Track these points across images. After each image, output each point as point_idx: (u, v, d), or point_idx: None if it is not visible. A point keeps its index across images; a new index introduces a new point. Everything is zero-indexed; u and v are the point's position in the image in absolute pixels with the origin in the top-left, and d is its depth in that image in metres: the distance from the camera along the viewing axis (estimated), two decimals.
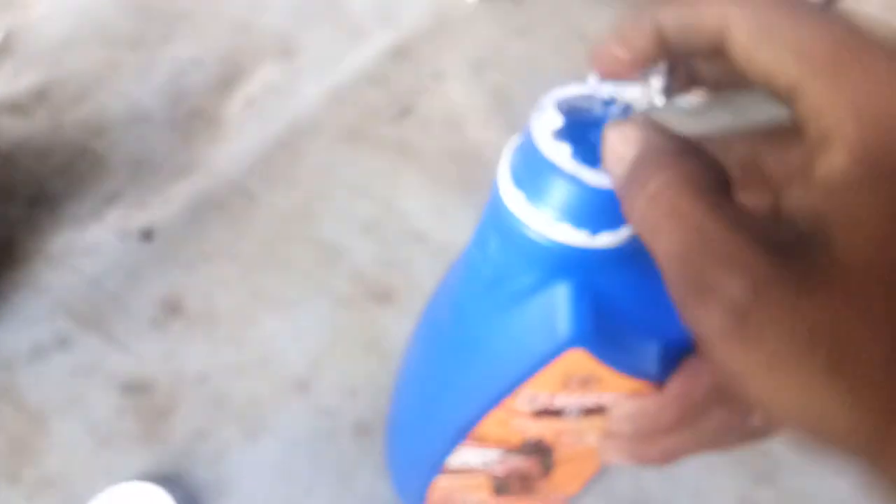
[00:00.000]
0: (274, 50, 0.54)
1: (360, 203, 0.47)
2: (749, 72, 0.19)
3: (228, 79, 0.52)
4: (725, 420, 0.26)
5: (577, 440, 0.29)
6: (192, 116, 0.50)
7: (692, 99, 0.52)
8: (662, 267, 0.17)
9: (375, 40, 0.55)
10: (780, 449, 0.40)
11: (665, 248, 0.17)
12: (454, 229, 0.47)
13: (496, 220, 0.23)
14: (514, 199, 0.22)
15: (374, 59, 0.54)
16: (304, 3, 0.56)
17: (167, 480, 0.36)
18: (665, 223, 0.17)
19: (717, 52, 0.19)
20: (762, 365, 0.16)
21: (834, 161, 0.16)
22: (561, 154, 0.21)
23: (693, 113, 0.53)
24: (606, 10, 0.58)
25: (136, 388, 0.40)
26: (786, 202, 0.18)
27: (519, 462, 0.30)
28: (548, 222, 0.22)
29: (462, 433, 0.28)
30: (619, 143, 0.20)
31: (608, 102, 0.22)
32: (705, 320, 0.16)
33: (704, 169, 0.18)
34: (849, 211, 0.16)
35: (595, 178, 0.20)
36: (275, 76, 0.52)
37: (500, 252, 0.24)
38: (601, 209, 0.21)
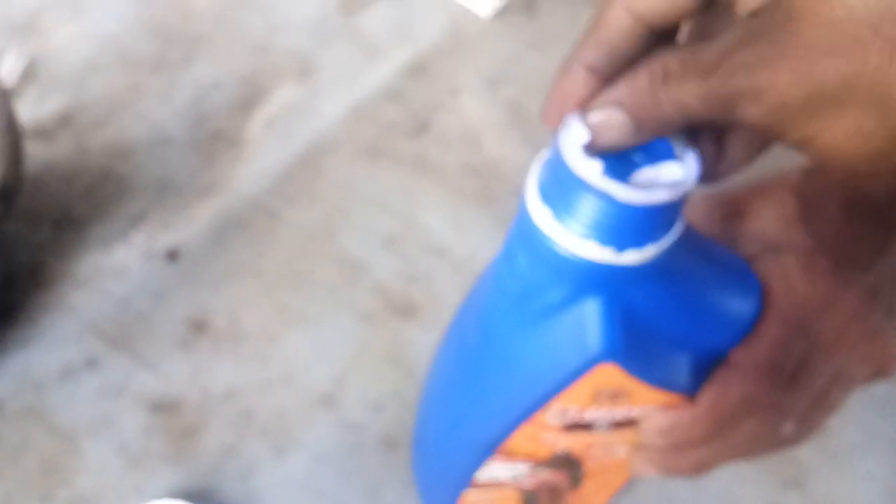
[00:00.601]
0: (292, 70, 0.54)
1: (381, 218, 0.48)
2: None
3: (249, 100, 0.53)
4: (757, 430, 0.27)
5: (606, 453, 0.29)
6: (213, 137, 0.51)
7: None
8: None
9: (392, 58, 0.56)
10: (808, 455, 0.40)
11: None
12: (474, 243, 0.47)
13: (524, 236, 0.24)
14: (541, 215, 0.22)
15: (391, 77, 0.55)
16: (321, 23, 0.57)
17: (197, 497, 0.37)
18: None
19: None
20: None
21: None
22: (591, 170, 0.21)
23: None
24: None
25: (164, 407, 0.40)
26: None
27: (548, 475, 0.31)
28: (575, 239, 0.22)
29: (491, 448, 0.28)
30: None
31: None
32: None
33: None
34: None
35: (624, 194, 0.21)
36: (294, 96, 0.53)
37: (528, 267, 0.24)
38: (628, 226, 0.21)
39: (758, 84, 0.20)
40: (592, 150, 0.22)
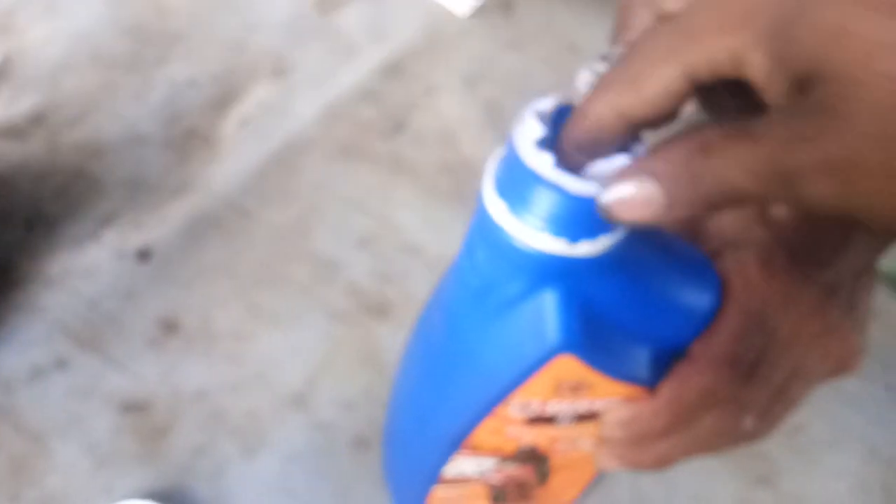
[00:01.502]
0: (267, 69, 0.54)
1: (356, 218, 0.48)
2: None
3: (223, 99, 0.53)
4: (718, 423, 0.27)
5: (571, 447, 0.29)
6: (187, 136, 0.51)
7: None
8: None
9: (367, 57, 0.56)
10: (779, 452, 0.40)
11: None
12: (448, 242, 0.47)
13: (482, 230, 0.24)
14: (497, 209, 0.23)
15: (367, 76, 0.55)
16: (296, 21, 0.57)
17: (167, 498, 0.37)
18: None
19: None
20: None
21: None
22: (542, 163, 0.21)
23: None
24: (597, 23, 0.59)
25: (134, 408, 0.40)
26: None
27: (515, 470, 0.31)
28: (529, 231, 0.22)
29: (457, 442, 0.29)
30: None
31: None
32: None
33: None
34: None
35: (576, 186, 0.21)
36: (269, 95, 0.53)
37: (486, 261, 0.24)
38: (580, 218, 0.22)
39: (828, 150, 0.18)
40: (613, 220, 0.20)
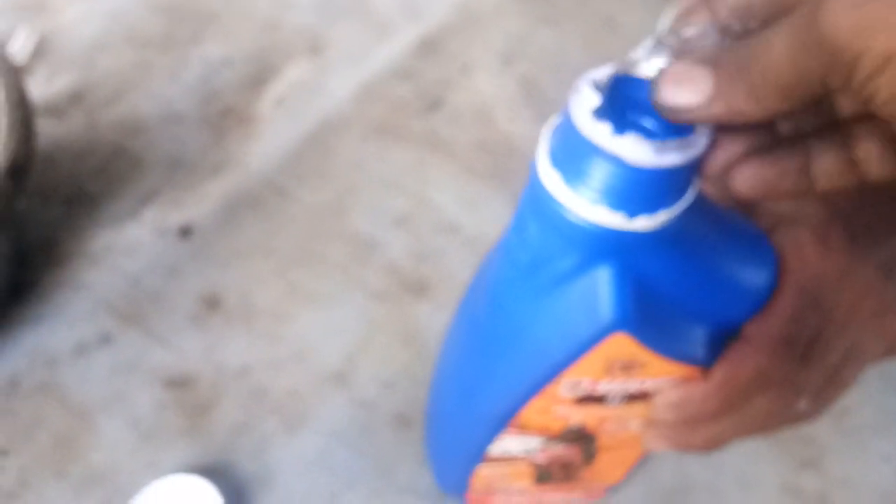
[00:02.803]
0: (302, 47, 0.54)
1: (392, 196, 0.48)
2: None
3: (259, 77, 0.52)
4: (771, 405, 0.26)
5: (619, 427, 0.29)
6: (224, 115, 0.51)
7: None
8: None
9: (402, 35, 0.55)
10: (824, 435, 0.40)
11: None
12: (486, 220, 0.47)
13: (534, 204, 0.23)
14: (552, 181, 0.22)
15: (402, 54, 0.54)
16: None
17: (211, 473, 0.37)
18: None
19: None
20: None
21: None
22: (600, 132, 0.20)
23: None
24: None
25: (177, 383, 0.40)
26: None
27: (561, 450, 0.30)
28: (585, 204, 0.22)
29: (503, 421, 0.28)
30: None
31: (645, 82, 0.22)
32: None
33: None
34: None
35: (635, 156, 0.20)
36: (304, 74, 0.53)
37: (538, 236, 0.24)
38: (639, 191, 0.21)
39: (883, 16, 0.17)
40: (658, 105, 0.21)
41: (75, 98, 0.51)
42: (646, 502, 0.38)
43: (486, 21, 0.56)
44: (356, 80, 0.53)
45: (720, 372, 0.26)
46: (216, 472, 0.37)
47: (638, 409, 0.28)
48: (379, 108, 0.52)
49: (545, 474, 0.32)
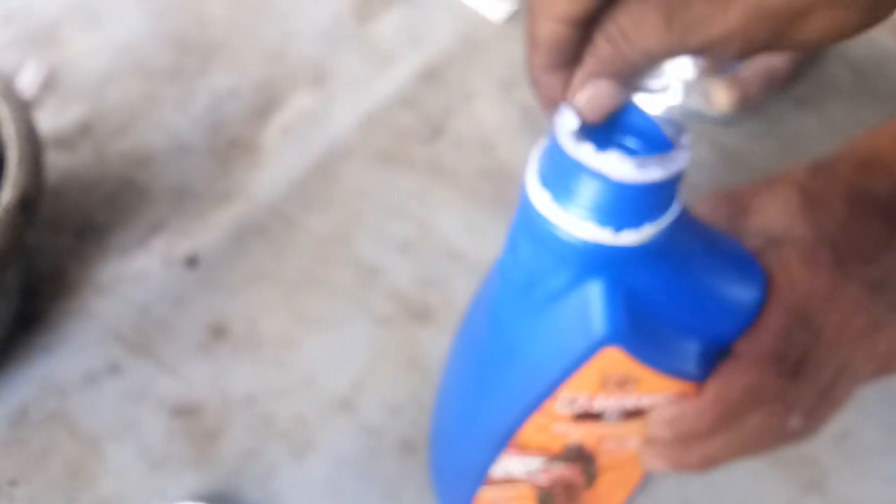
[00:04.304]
0: (307, 78, 0.55)
1: (396, 223, 0.48)
2: None
3: (264, 107, 0.53)
4: (764, 422, 0.27)
5: (618, 446, 0.29)
6: (230, 145, 0.51)
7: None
8: None
9: (404, 63, 0.56)
10: (828, 456, 0.40)
11: None
12: (489, 246, 0.47)
13: (525, 223, 0.24)
14: (541, 200, 0.23)
15: (405, 83, 0.55)
16: (334, 30, 0.58)
17: (219, 500, 0.37)
18: None
19: None
20: None
21: None
22: (584, 151, 0.21)
23: (723, 122, 0.53)
24: None
25: (185, 412, 0.41)
26: None
27: (562, 470, 0.31)
28: (574, 221, 0.22)
29: (503, 440, 0.29)
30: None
31: (627, 104, 0.23)
32: None
33: None
34: None
35: (618, 172, 0.21)
36: (309, 103, 0.54)
37: (530, 255, 0.25)
38: (624, 206, 0.22)
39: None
40: (593, 121, 0.22)
41: (84, 130, 0.52)
42: None
43: (487, 49, 0.57)
44: (360, 108, 0.54)
45: (712, 388, 0.26)
46: (224, 500, 0.38)
47: (635, 426, 0.28)
48: (382, 136, 0.52)
49: (547, 497, 0.33)
